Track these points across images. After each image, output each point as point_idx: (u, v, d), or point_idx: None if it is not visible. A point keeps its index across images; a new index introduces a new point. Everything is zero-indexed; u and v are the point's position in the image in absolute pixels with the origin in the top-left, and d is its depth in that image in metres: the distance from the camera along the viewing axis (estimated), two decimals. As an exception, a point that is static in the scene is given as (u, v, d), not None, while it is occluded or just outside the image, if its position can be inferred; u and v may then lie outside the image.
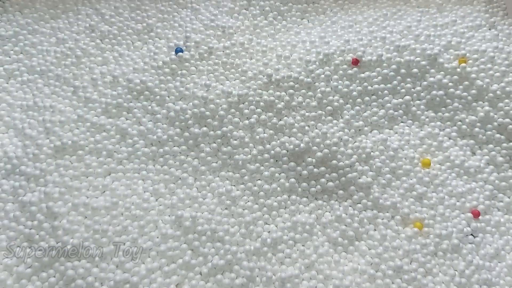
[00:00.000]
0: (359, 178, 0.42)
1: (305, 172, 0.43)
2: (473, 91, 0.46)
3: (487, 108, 0.45)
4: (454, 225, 0.41)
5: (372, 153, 0.44)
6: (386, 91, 0.47)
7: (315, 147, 0.43)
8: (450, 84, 0.46)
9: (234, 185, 0.43)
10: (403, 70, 0.47)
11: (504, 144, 0.45)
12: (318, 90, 0.46)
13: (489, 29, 0.51)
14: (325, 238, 0.41)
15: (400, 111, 0.47)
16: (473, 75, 0.46)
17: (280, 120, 0.44)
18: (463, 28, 0.50)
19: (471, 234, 0.42)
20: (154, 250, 0.39)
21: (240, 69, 0.47)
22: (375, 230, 0.41)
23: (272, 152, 0.43)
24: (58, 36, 0.50)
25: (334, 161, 0.43)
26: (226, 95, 0.45)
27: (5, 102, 0.46)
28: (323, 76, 0.46)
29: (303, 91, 0.46)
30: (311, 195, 0.43)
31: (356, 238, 0.41)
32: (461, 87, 0.46)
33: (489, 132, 0.45)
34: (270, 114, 0.44)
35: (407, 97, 0.47)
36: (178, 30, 0.51)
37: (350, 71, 0.46)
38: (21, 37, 0.50)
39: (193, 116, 0.44)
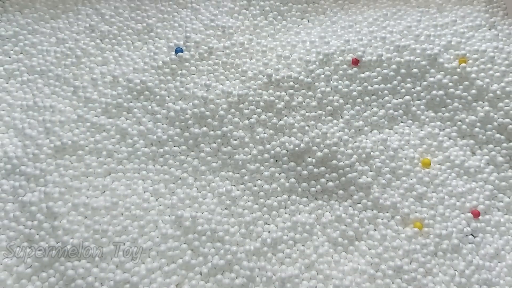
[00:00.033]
0: (359, 178, 0.42)
1: (305, 172, 0.43)
2: (473, 91, 0.46)
3: (487, 108, 0.45)
4: (454, 225, 0.41)
5: (372, 153, 0.44)
6: (386, 91, 0.47)
7: (315, 147, 0.43)
8: (450, 84, 0.46)
9: (234, 185, 0.43)
10: (403, 70, 0.47)
11: (504, 144, 0.45)
12: (318, 90, 0.46)
13: (489, 29, 0.51)
14: (325, 238, 0.41)
15: (400, 111, 0.47)
16: (473, 75, 0.46)
17: (280, 120, 0.44)
18: (463, 28, 0.50)
19: (471, 234, 0.42)
20: (154, 250, 0.39)
21: (240, 69, 0.47)
22: (375, 230, 0.41)
23: (272, 152, 0.43)
24: (58, 36, 0.50)
25: (334, 161, 0.43)
26: (226, 95, 0.45)
27: (5, 102, 0.46)
28: (323, 76, 0.46)
29: (303, 91, 0.46)
30: (311, 195, 0.43)
31: (356, 238, 0.41)
32: (461, 87, 0.46)
33: (489, 132, 0.45)
34: (270, 114, 0.44)
35: (407, 97, 0.47)
36: (178, 30, 0.51)
37: (350, 71, 0.46)
38: (21, 37, 0.50)
39: (193, 116, 0.44)
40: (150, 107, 0.45)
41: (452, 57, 0.47)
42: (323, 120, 0.45)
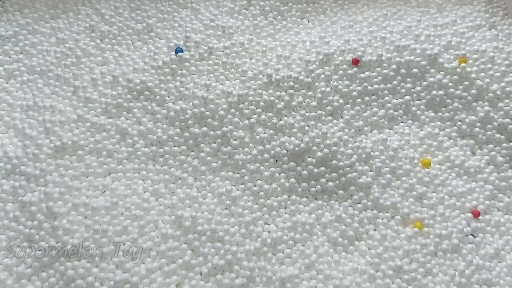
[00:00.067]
0: (359, 178, 0.42)
1: (305, 172, 0.43)
2: (473, 91, 0.46)
3: (487, 108, 0.45)
4: (454, 225, 0.41)
5: (372, 153, 0.44)
6: (386, 91, 0.47)
7: (315, 147, 0.43)
8: (450, 84, 0.46)
9: (234, 185, 0.43)
10: (403, 70, 0.47)
11: (504, 144, 0.45)
12: (318, 90, 0.46)
13: (489, 29, 0.51)
14: (325, 238, 0.41)
15: (400, 111, 0.47)
16: (473, 75, 0.46)
17: (280, 120, 0.44)
18: (463, 28, 0.50)
19: (471, 234, 0.42)
20: (154, 250, 0.39)
21: (240, 69, 0.47)
22: (375, 230, 0.41)
23: (272, 152, 0.43)
24: (58, 36, 0.50)
25: (334, 161, 0.43)
26: (226, 95, 0.45)
27: (5, 102, 0.46)
28: (323, 76, 0.46)
29: (303, 91, 0.46)
30: (311, 195, 0.43)
31: (356, 238, 0.41)
32: (461, 87, 0.46)
33: (489, 132, 0.45)
34: (270, 114, 0.44)
35: (407, 97, 0.47)
36: (178, 30, 0.51)
37: (350, 71, 0.46)
38: (21, 37, 0.50)
39: (193, 116, 0.44)
40: (150, 107, 0.45)
41: (452, 57, 0.47)
42: (323, 120, 0.45)
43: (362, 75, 0.47)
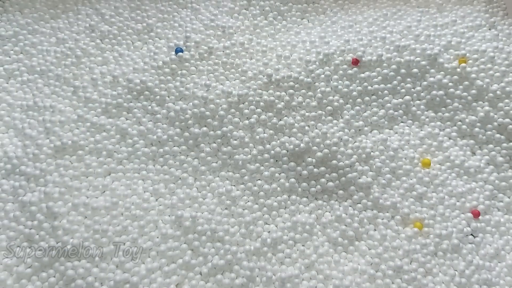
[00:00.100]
0: (359, 178, 0.42)
1: (305, 172, 0.43)
2: (473, 91, 0.46)
3: (487, 108, 0.45)
4: (454, 225, 0.41)
5: (372, 153, 0.44)
6: (386, 91, 0.47)
7: (315, 147, 0.43)
8: (450, 84, 0.46)
9: (234, 185, 0.43)
10: (403, 70, 0.47)
11: (504, 144, 0.45)
12: (318, 90, 0.46)
13: (489, 29, 0.51)
14: (325, 238, 0.41)
15: (400, 111, 0.47)
16: (473, 75, 0.46)
17: (280, 120, 0.44)
18: (463, 28, 0.50)
19: (471, 234, 0.42)
20: (154, 250, 0.39)
21: (240, 69, 0.47)
22: (375, 230, 0.41)
23: (272, 152, 0.43)
24: (58, 36, 0.50)
25: (334, 161, 0.43)
26: (226, 95, 0.45)
27: (5, 102, 0.46)
28: (323, 76, 0.46)
29: (303, 91, 0.46)
30: (311, 195, 0.43)
31: (356, 238, 0.41)
32: (461, 87, 0.46)
33: (489, 132, 0.45)
34: (270, 114, 0.44)
35: (407, 97, 0.47)
36: (178, 30, 0.51)
37: (350, 71, 0.46)
38: (21, 37, 0.50)
39: (193, 116, 0.44)
40: (150, 107, 0.45)
41: (452, 57, 0.47)
42: (323, 120, 0.45)
43: (362, 75, 0.47)
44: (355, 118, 0.46)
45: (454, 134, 0.46)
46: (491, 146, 0.45)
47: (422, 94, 0.47)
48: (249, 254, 0.39)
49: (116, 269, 0.37)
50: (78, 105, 0.45)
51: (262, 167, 0.43)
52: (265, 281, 0.38)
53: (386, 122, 0.46)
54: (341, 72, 0.47)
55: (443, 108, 0.47)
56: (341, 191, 0.43)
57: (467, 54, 0.47)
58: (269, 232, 0.41)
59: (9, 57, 0.49)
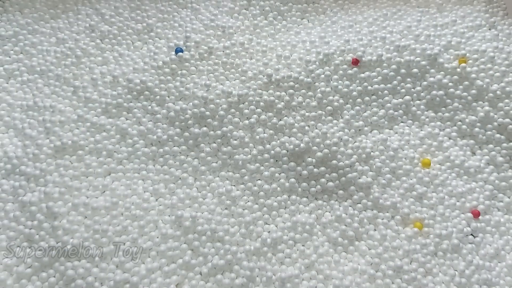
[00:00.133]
0: (359, 178, 0.42)
1: (305, 172, 0.43)
2: (473, 91, 0.46)
3: (487, 108, 0.45)
4: (454, 225, 0.41)
5: (372, 153, 0.44)
6: (386, 91, 0.47)
7: (315, 147, 0.43)
8: (450, 84, 0.46)
9: (234, 185, 0.43)
10: (403, 70, 0.47)
11: (504, 144, 0.45)
12: (318, 90, 0.46)
13: (489, 29, 0.51)
14: (325, 238, 0.41)
15: (400, 111, 0.47)
16: (473, 75, 0.46)
17: (280, 120, 0.44)
18: (463, 28, 0.50)
19: (471, 234, 0.42)
20: (154, 250, 0.39)
21: (240, 69, 0.47)
22: (375, 230, 0.41)
23: (272, 152, 0.43)
24: (58, 36, 0.50)
25: (334, 161, 0.43)
26: (226, 95, 0.45)
27: (5, 102, 0.46)
28: (323, 76, 0.46)
29: (303, 91, 0.46)
30: (311, 195, 0.43)
31: (356, 238, 0.41)
32: (461, 87, 0.46)
33: (489, 132, 0.45)
34: (270, 114, 0.44)
35: (407, 97, 0.47)
36: (178, 30, 0.51)
37: (350, 71, 0.46)
38: (21, 37, 0.50)
39: (193, 116, 0.44)
40: (150, 107, 0.45)
41: (452, 57, 0.47)
42: (323, 120, 0.45)
43: (362, 75, 0.47)
44: (355, 118, 0.46)
45: (454, 134, 0.46)
46: (491, 146, 0.45)
47: (422, 94, 0.47)
48: (249, 254, 0.39)
49: (116, 269, 0.37)
50: (78, 105, 0.45)
51: (262, 167, 0.43)
52: (265, 281, 0.38)
53: (386, 122, 0.46)
54: (341, 72, 0.47)
55: (443, 108, 0.47)
56: (341, 191, 0.43)
57: (467, 54, 0.47)
58: (269, 232, 0.41)
59: (9, 57, 0.49)
